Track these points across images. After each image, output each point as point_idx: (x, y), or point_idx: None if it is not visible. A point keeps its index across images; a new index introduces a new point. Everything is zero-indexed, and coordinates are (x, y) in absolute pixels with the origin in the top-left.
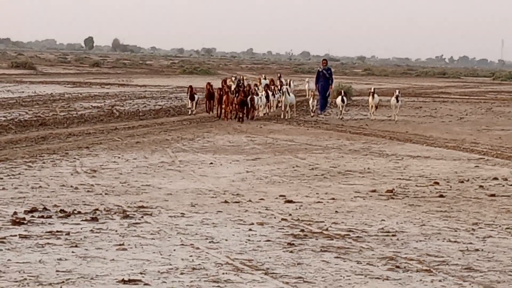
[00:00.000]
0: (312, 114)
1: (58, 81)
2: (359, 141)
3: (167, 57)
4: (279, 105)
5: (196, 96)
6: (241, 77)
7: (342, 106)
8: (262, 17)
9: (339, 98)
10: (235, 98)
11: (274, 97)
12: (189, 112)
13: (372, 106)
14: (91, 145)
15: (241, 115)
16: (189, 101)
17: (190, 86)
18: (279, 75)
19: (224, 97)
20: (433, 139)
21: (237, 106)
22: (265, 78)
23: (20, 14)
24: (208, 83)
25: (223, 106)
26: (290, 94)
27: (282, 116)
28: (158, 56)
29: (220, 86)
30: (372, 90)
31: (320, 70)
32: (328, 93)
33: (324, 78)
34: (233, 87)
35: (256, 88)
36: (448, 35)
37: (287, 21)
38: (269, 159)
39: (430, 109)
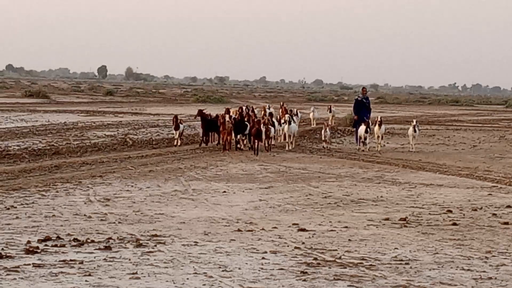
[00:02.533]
0: (325, 144)
1: (72, 110)
2: (372, 169)
3: (180, 86)
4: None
5: (181, 126)
6: (251, 106)
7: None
8: (275, 45)
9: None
10: (252, 129)
11: (280, 126)
12: (174, 143)
13: (378, 137)
14: (104, 174)
15: (256, 147)
16: (174, 132)
17: (175, 116)
18: (281, 103)
19: (221, 127)
20: (446, 167)
21: (252, 137)
22: (269, 108)
23: (33, 43)
24: (200, 111)
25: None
26: (292, 123)
27: (286, 148)
28: (171, 85)
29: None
30: (379, 120)
31: (360, 98)
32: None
33: (364, 107)
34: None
35: (270, 118)
36: (461, 62)
37: (300, 49)
38: (282, 188)
39: (443, 137)
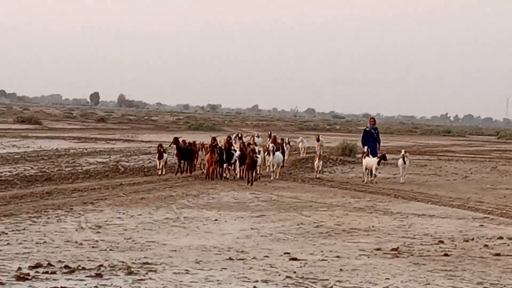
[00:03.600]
0: (317, 174)
1: (64, 136)
2: (363, 199)
3: (173, 113)
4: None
5: (165, 155)
6: (240, 134)
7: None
8: (267, 74)
9: (373, 159)
10: (247, 160)
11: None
12: (159, 173)
13: (366, 168)
14: (96, 201)
15: (250, 177)
16: (157, 161)
17: (160, 145)
18: (269, 132)
19: (207, 156)
20: (438, 197)
21: (247, 167)
22: (258, 136)
23: (25, 69)
24: (175, 138)
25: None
26: (277, 153)
27: (272, 177)
28: (164, 112)
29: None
30: (366, 151)
31: (368, 129)
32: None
33: (372, 138)
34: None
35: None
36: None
37: (292, 78)
38: (274, 216)
39: (435, 167)
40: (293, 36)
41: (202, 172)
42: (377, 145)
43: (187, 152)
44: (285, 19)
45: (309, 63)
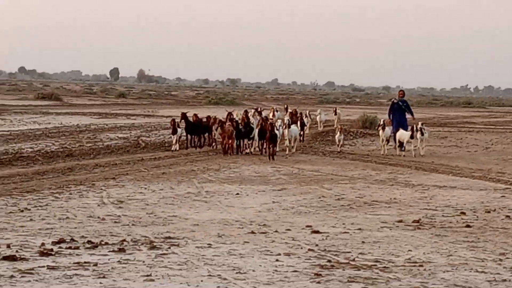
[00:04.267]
0: (338, 148)
1: (84, 112)
2: (384, 171)
3: (192, 88)
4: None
5: (179, 130)
6: (260, 108)
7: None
8: (287, 47)
9: (406, 133)
10: (266, 134)
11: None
12: (172, 149)
13: (383, 140)
14: (117, 176)
15: (271, 151)
16: (172, 136)
17: (173, 119)
18: (285, 106)
19: (220, 131)
20: (459, 169)
21: (267, 142)
22: (277, 110)
23: (45, 46)
24: (183, 113)
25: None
26: (293, 126)
27: (287, 152)
28: (183, 87)
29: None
30: (382, 123)
31: (396, 101)
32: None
33: (399, 111)
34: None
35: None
36: (473, 64)
37: (311, 52)
38: (295, 190)
39: (456, 139)
40: (312, 9)
41: (212, 147)
42: (406, 118)
43: (195, 127)
44: None
45: (329, 36)
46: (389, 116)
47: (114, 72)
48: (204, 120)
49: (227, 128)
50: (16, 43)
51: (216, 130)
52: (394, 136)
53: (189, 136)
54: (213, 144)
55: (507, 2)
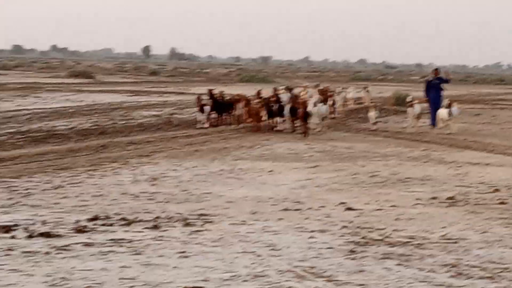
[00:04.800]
0: (373, 127)
1: (117, 90)
2: (418, 149)
3: (224, 66)
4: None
5: (206, 108)
6: (291, 86)
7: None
8: (318, 25)
9: (444, 110)
10: (299, 112)
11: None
12: (197, 126)
13: (412, 117)
14: (151, 153)
15: (305, 129)
16: (199, 114)
17: (198, 97)
18: (316, 84)
19: (244, 108)
20: (492, 146)
21: (300, 120)
22: (308, 87)
23: (77, 24)
24: (209, 90)
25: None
26: (319, 104)
27: (316, 130)
28: (215, 65)
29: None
30: (410, 100)
31: (431, 80)
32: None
33: (435, 89)
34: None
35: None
36: (506, 41)
37: (343, 29)
38: (329, 167)
39: (489, 116)
40: None
41: (237, 126)
42: (441, 96)
43: (220, 105)
44: None
45: (360, 14)
46: (425, 94)
47: (146, 50)
48: (228, 98)
49: (252, 106)
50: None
51: (242, 108)
52: (432, 114)
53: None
54: (238, 122)
55: None
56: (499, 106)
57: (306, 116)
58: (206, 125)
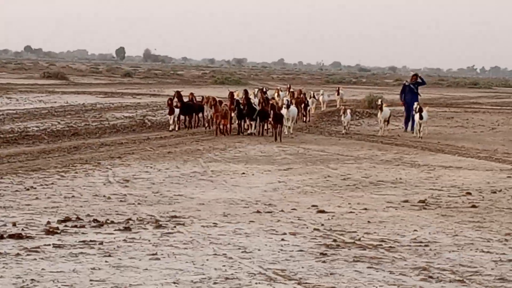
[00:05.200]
0: (344, 130)
1: (90, 91)
2: (390, 152)
3: (198, 68)
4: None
5: (176, 110)
6: (265, 88)
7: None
8: (293, 27)
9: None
10: (272, 114)
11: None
12: (169, 128)
13: (381, 121)
14: (123, 155)
15: (278, 132)
16: (169, 116)
17: (170, 99)
18: (288, 85)
19: (213, 110)
20: (465, 149)
21: (272, 122)
22: (281, 90)
23: (51, 25)
24: (177, 92)
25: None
26: (292, 107)
27: (286, 132)
28: (189, 67)
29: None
30: (380, 103)
31: (407, 84)
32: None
33: (411, 93)
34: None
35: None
36: (479, 45)
37: (318, 32)
38: (301, 169)
39: (462, 119)
40: None
41: (206, 128)
42: (417, 100)
43: (187, 107)
44: None
45: (334, 16)
46: (400, 98)
47: (120, 51)
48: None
49: (220, 108)
50: (22, 22)
51: (209, 110)
52: (406, 118)
53: (182, 117)
54: (207, 125)
55: None
56: (472, 109)
57: (278, 118)
58: (172, 127)
